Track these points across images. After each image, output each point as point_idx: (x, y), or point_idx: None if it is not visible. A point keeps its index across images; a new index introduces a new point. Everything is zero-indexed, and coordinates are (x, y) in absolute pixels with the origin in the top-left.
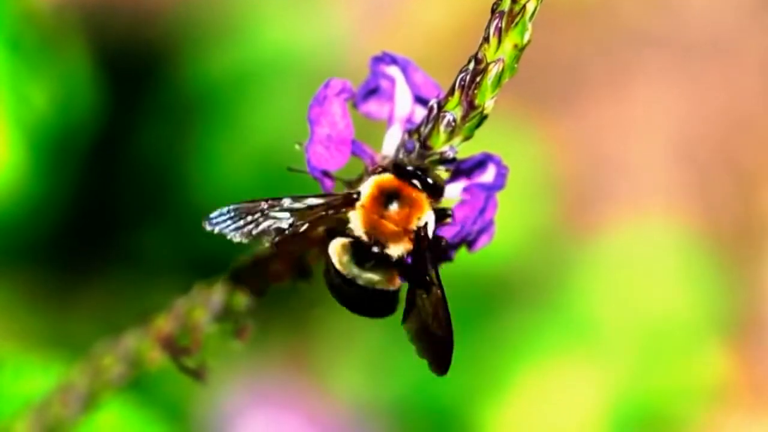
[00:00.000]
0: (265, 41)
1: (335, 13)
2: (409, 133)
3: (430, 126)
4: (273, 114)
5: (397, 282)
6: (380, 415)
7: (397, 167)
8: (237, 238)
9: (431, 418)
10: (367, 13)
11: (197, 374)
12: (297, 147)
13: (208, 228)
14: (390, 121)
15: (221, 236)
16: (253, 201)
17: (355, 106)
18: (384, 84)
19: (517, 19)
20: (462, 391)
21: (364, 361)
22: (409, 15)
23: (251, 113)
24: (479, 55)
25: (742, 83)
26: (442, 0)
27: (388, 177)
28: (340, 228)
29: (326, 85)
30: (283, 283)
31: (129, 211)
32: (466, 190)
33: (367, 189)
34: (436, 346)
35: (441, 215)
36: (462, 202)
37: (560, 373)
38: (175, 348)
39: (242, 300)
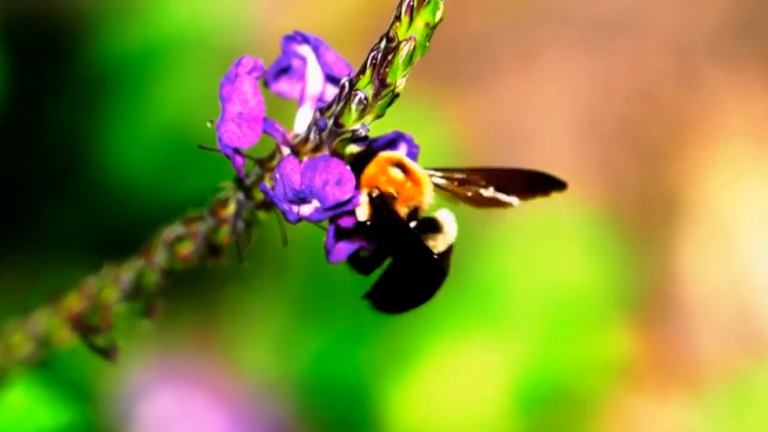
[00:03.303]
0: (174, 16)
1: None
2: (321, 111)
3: (341, 104)
4: (181, 89)
5: None
6: (287, 391)
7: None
8: None
9: (338, 394)
10: None
11: (107, 353)
12: (208, 125)
13: None
14: (302, 99)
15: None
16: None
17: (266, 84)
18: (296, 63)
19: None
20: (369, 368)
21: (271, 338)
22: None
23: (160, 89)
24: (391, 34)
25: (649, 58)
26: None
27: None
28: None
29: (238, 63)
30: (193, 263)
31: (36, 188)
32: None
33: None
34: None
35: None
36: None
37: (466, 349)
38: (85, 327)
39: (152, 279)
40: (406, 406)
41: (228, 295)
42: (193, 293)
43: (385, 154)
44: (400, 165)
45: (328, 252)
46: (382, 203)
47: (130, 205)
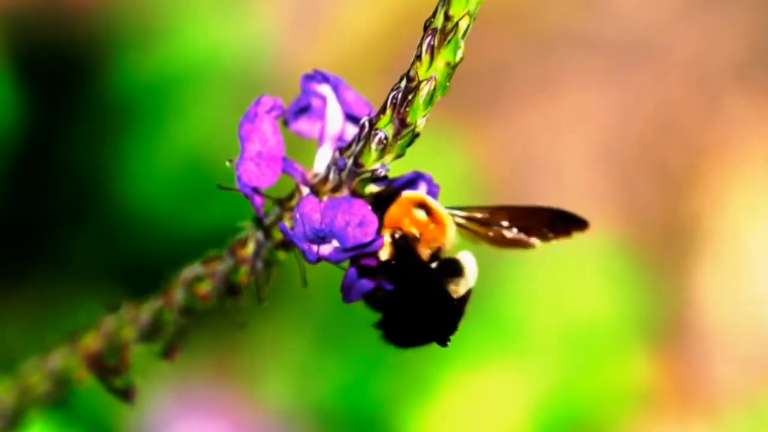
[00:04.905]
0: (193, 44)
1: (264, 16)
2: (341, 150)
3: (361, 144)
4: (200, 119)
5: None
6: (307, 421)
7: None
8: None
9: (358, 424)
10: (297, 16)
11: (125, 394)
12: (227, 164)
13: None
14: (321, 139)
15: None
16: None
17: (285, 123)
18: (315, 102)
19: (449, 37)
20: (388, 397)
21: (291, 368)
22: (339, 18)
23: (178, 118)
24: (411, 73)
25: (670, 86)
26: (372, 3)
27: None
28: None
29: (257, 103)
30: (211, 303)
31: (54, 218)
32: None
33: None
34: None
35: None
36: None
37: (486, 378)
38: (102, 367)
39: (170, 318)
40: None
41: (248, 326)
42: (214, 324)
43: (408, 194)
44: (423, 205)
45: (345, 292)
46: (405, 245)
47: (146, 236)
